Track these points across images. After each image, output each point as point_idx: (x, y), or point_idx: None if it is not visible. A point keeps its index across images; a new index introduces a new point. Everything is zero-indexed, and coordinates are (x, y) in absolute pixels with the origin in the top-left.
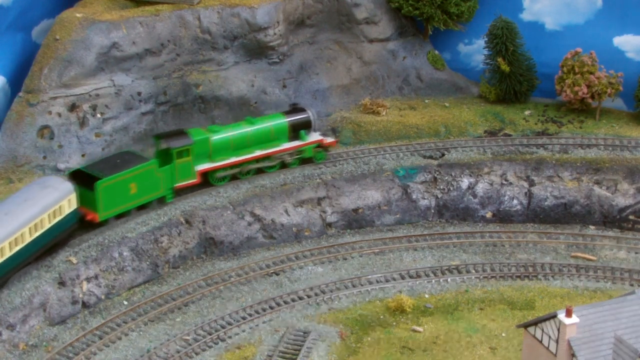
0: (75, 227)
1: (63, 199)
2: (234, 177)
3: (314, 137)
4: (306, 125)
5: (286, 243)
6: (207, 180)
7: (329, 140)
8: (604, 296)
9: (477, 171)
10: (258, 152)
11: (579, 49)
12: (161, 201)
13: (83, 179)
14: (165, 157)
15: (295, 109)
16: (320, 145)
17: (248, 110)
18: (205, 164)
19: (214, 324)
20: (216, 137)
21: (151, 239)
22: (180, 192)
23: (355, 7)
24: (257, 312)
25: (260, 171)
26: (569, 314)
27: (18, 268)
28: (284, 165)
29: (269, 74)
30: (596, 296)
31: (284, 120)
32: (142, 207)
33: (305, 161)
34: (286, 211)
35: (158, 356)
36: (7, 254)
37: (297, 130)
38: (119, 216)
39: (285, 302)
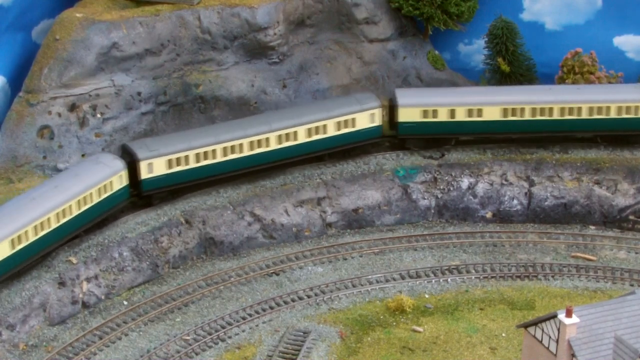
0: None
1: None
2: None
3: None
4: None
5: (286, 243)
6: None
7: None
8: (604, 296)
9: (477, 171)
10: None
11: (579, 49)
12: None
13: None
14: None
15: None
16: None
17: (248, 110)
18: None
19: (214, 324)
20: None
21: (151, 239)
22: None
23: (355, 7)
24: (257, 312)
25: None
26: (569, 314)
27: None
28: None
29: (269, 74)
30: (596, 296)
31: None
32: None
33: None
34: (286, 211)
35: (158, 356)
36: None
37: None
38: None
39: (285, 302)
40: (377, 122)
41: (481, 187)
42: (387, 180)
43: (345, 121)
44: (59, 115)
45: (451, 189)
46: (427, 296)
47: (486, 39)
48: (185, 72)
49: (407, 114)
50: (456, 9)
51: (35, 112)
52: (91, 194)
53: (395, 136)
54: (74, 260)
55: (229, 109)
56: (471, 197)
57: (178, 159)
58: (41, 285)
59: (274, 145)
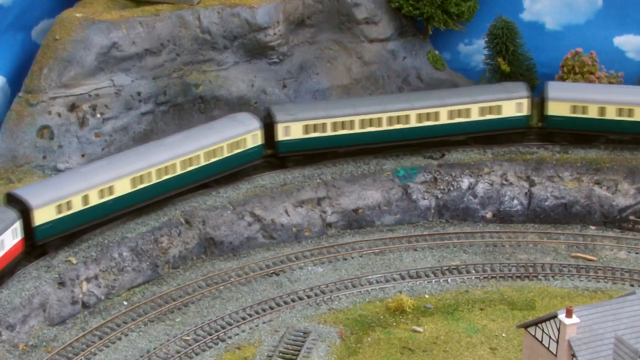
0: None
1: None
2: None
3: None
4: None
5: (286, 243)
6: None
7: None
8: (604, 296)
9: (477, 171)
10: None
11: (579, 49)
12: None
13: None
14: None
15: None
16: None
17: (248, 110)
18: None
19: (214, 324)
20: None
21: (151, 239)
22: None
23: (355, 7)
24: (257, 312)
25: None
26: (569, 314)
27: None
28: None
29: (269, 74)
30: (596, 296)
31: None
32: None
33: None
34: (286, 211)
35: (158, 356)
36: None
37: None
38: None
39: (285, 303)
40: (525, 112)
41: (481, 187)
42: (387, 180)
43: (490, 107)
44: (59, 115)
45: (451, 189)
46: (427, 296)
47: (486, 39)
48: (185, 72)
49: (556, 108)
50: (456, 9)
51: (35, 112)
52: (222, 147)
53: (542, 128)
54: (74, 260)
55: (229, 109)
56: (471, 197)
57: (315, 126)
58: (41, 285)
59: (413, 123)
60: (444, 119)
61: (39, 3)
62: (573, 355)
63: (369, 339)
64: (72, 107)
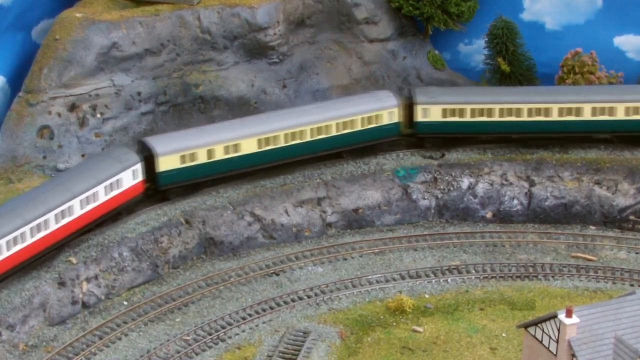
0: None
1: None
2: None
3: None
4: None
5: (286, 243)
6: None
7: None
8: (604, 296)
9: (477, 171)
10: None
11: (579, 49)
12: None
13: None
14: None
15: None
16: None
17: (248, 110)
18: None
19: (214, 324)
20: None
21: (151, 239)
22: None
23: (355, 7)
24: (257, 312)
25: None
26: (569, 314)
27: None
28: None
29: (269, 74)
30: (596, 296)
31: None
32: None
33: None
34: (286, 211)
35: (158, 356)
36: None
37: None
38: None
39: (285, 303)
40: None
41: (481, 187)
42: (387, 180)
43: (636, 108)
44: (59, 115)
45: (451, 189)
46: (427, 296)
47: (486, 39)
48: (185, 72)
49: None
50: (456, 9)
51: (35, 112)
52: (355, 120)
53: None
54: (74, 260)
55: (229, 109)
56: (471, 197)
57: (453, 110)
58: (41, 285)
59: (555, 117)
60: (587, 116)
61: (39, 3)
62: (573, 355)
63: (369, 339)
64: (72, 107)
